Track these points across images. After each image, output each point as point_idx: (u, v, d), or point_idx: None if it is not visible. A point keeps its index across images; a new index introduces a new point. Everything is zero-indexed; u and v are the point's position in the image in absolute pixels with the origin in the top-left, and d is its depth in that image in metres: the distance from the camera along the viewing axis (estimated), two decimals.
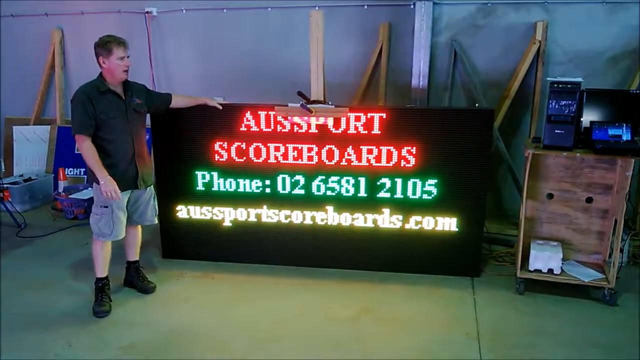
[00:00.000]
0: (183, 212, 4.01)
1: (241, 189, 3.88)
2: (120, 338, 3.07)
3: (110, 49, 3.12)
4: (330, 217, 3.83)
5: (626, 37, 4.25)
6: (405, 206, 3.72)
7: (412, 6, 4.45)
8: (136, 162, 3.33)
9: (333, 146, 3.69)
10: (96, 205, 3.31)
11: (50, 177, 5.64)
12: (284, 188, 3.83)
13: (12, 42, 5.79)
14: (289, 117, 3.68)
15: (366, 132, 3.62)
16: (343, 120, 3.62)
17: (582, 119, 3.33)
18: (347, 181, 3.74)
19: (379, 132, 3.60)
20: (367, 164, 3.68)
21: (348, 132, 3.64)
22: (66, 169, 5.55)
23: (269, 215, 3.91)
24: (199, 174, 3.90)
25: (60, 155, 5.75)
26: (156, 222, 3.66)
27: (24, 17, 5.66)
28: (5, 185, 5.13)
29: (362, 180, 3.72)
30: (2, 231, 4.78)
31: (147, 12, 5.24)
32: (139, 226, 3.61)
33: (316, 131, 3.68)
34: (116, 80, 3.21)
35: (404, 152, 3.61)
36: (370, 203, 3.76)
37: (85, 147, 3.13)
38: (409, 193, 3.68)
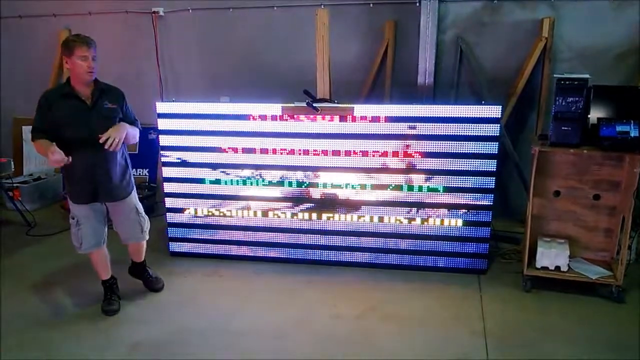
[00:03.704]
0: (190, 210, 4.04)
1: (248, 187, 3.91)
2: (129, 336, 3.10)
3: (72, 47, 2.90)
4: (336, 214, 3.85)
5: (633, 33, 4.22)
6: (412, 203, 3.73)
7: (417, 4, 4.44)
8: (96, 173, 3.07)
9: (339, 144, 3.70)
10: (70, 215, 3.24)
11: (59, 177, 5.68)
12: (290, 186, 3.84)
13: (21, 43, 5.84)
14: (295, 116, 3.69)
15: (372, 130, 3.62)
16: (349, 119, 3.63)
17: (589, 116, 3.31)
18: (353, 179, 3.75)
19: (385, 130, 3.61)
20: (373, 162, 3.69)
21: (354, 130, 3.65)
22: None
23: (276, 213, 3.92)
24: (206, 172, 3.92)
25: None
26: (147, 237, 3.44)
27: (32, 18, 5.70)
28: (15, 185, 5.18)
29: (368, 177, 3.73)
30: (13, 230, 4.83)
31: (153, 12, 5.26)
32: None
33: (322, 129, 3.69)
34: (81, 82, 2.98)
35: (410, 149, 3.62)
36: (376, 201, 3.77)
37: (36, 144, 2.96)
38: (415, 190, 3.69)
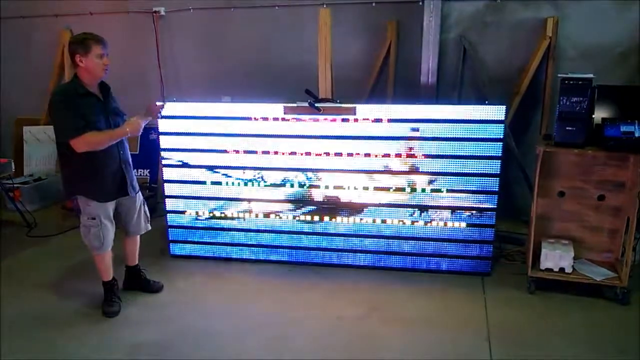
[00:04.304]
0: (191, 212, 4.01)
1: (249, 189, 3.89)
2: (129, 337, 3.08)
3: (89, 45, 2.92)
4: (338, 216, 3.82)
5: (637, 32, 4.19)
6: (415, 204, 3.70)
7: (420, 3, 4.42)
8: (123, 168, 3.20)
9: (341, 144, 3.68)
10: (83, 217, 3.18)
11: (59, 177, 5.66)
12: (292, 187, 3.82)
13: (22, 43, 5.84)
14: (297, 116, 3.67)
15: (374, 129, 3.60)
16: (351, 119, 3.61)
17: (593, 116, 3.28)
18: (356, 179, 3.73)
19: (387, 130, 3.59)
20: (376, 163, 3.66)
21: (356, 130, 3.63)
22: None
23: (278, 214, 3.90)
24: (207, 173, 3.90)
25: None
26: (150, 228, 3.55)
27: (33, 18, 5.69)
28: (15, 185, 5.17)
29: (370, 178, 3.71)
30: (13, 231, 4.82)
31: (155, 12, 5.25)
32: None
33: (324, 129, 3.67)
34: (94, 80, 3.03)
35: (412, 150, 3.59)
36: (379, 202, 3.74)
37: (88, 137, 2.92)
38: (418, 191, 3.67)
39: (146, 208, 3.51)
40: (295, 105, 3.66)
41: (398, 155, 3.62)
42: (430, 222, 3.72)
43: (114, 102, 3.19)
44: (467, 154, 3.53)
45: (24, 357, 2.91)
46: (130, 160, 3.30)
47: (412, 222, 3.74)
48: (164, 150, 3.93)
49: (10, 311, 3.37)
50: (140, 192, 3.44)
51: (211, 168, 3.89)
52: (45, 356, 2.92)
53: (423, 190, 3.66)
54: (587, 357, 2.85)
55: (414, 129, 3.55)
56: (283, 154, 3.76)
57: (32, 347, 3.00)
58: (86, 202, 3.15)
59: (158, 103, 3.38)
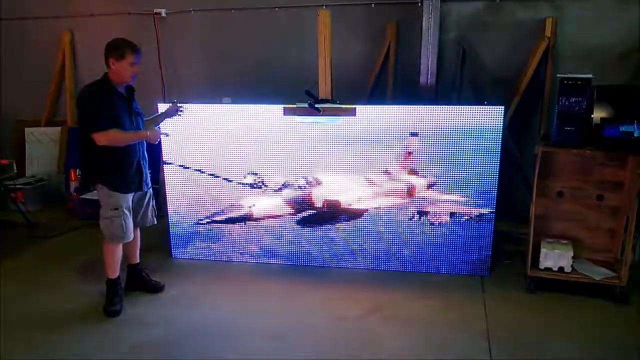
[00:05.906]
0: (193, 212, 4.03)
1: (250, 191, 3.90)
2: (131, 337, 3.09)
3: (124, 53, 3.13)
4: (338, 218, 3.83)
5: (636, 32, 4.20)
6: (414, 205, 3.72)
7: (419, 4, 4.43)
8: (141, 164, 3.36)
9: (341, 145, 3.69)
10: (105, 209, 3.27)
11: (61, 178, 5.69)
12: (292, 190, 3.83)
13: (23, 45, 5.84)
14: (297, 117, 3.69)
15: (374, 130, 3.62)
16: (351, 119, 3.62)
17: (592, 116, 3.29)
18: (355, 179, 3.74)
19: (387, 130, 3.60)
20: (376, 162, 3.68)
21: (356, 130, 3.64)
22: (77, 170, 5.59)
23: (279, 215, 3.91)
24: (208, 174, 3.92)
25: (71, 156, 5.80)
26: (156, 222, 3.65)
27: (34, 20, 5.71)
28: (17, 186, 5.19)
29: (370, 178, 3.72)
30: (15, 231, 4.84)
31: (156, 13, 5.27)
32: (138, 228, 3.60)
33: (324, 130, 3.68)
34: (121, 82, 3.22)
35: (412, 149, 3.60)
36: (379, 204, 3.75)
37: (112, 133, 3.11)
38: (418, 191, 3.68)
39: (154, 202, 3.61)
40: (295, 106, 3.67)
41: (397, 157, 3.63)
42: (430, 222, 3.73)
43: (135, 103, 3.36)
44: (465, 155, 3.55)
45: (25, 357, 2.93)
46: (146, 157, 3.44)
47: (412, 224, 3.75)
48: (165, 152, 3.94)
49: (12, 311, 3.38)
50: (151, 187, 3.55)
51: (212, 170, 3.90)
52: (45, 356, 2.93)
53: (422, 191, 3.67)
54: (586, 356, 2.86)
55: (413, 134, 3.57)
56: (283, 155, 3.78)
57: (33, 346, 3.02)
58: (109, 193, 3.25)
59: (178, 104, 3.60)
